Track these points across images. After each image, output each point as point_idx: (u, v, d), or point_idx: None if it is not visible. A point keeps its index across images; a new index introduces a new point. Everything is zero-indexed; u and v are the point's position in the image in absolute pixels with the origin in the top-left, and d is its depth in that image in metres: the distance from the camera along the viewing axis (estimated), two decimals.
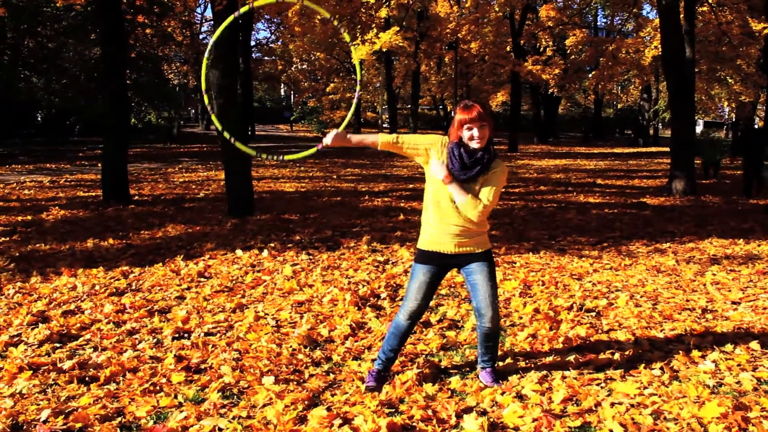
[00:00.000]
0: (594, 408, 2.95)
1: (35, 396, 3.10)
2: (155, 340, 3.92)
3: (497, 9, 26.49)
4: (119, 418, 2.87)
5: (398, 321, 3.16)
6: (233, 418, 2.88)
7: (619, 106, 55.92)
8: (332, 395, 3.13)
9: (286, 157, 3.38)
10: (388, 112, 30.08)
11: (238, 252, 6.41)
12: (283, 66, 43.65)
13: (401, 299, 4.82)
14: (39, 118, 30.27)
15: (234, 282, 5.34)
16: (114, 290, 5.03)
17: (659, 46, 15.66)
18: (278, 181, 14.47)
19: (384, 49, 18.26)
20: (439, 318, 4.35)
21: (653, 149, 31.28)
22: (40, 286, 5.16)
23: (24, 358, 3.56)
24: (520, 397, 3.09)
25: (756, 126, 28.16)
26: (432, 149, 3.03)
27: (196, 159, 21.41)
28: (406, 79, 35.60)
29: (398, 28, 17.56)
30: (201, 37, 36.62)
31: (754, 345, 3.75)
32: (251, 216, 8.75)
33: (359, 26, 20.32)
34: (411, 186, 13.19)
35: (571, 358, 3.53)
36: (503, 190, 3.17)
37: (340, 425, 2.79)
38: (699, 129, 39.70)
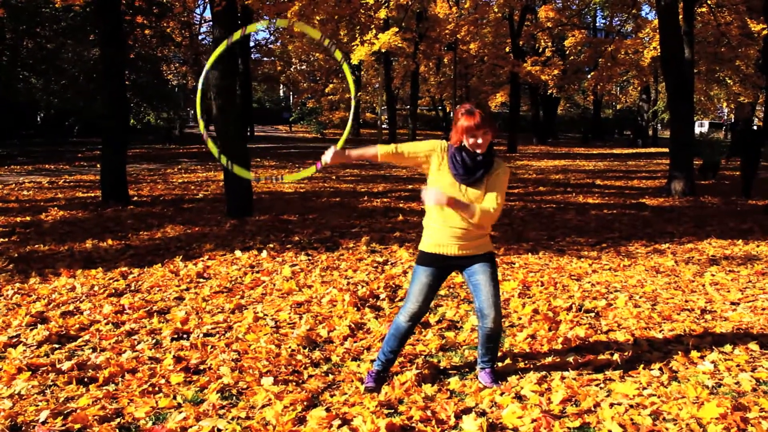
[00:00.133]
0: (593, 408, 2.95)
1: (34, 397, 3.10)
2: (154, 340, 3.92)
3: (496, 10, 26.50)
4: (118, 419, 2.87)
5: (398, 322, 3.16)
6: (232, 418, 2.87)
7: (618, 106, 56.01)
8: (331, 396, 3.12)
9: (285, 179, 3.35)
10: (387, 113, 30.09)
11: (237, 253, 6.41)
12: (282, 67, 43.68)
13: (400, 300, 4.82)
14: (39, 119, 30.27)
15: (233, 283, 5.34)
16: (113, 291, 5.03)
17: (658, 46, 15.67)
18: (277, 182, 14.46)
19: (383, 50, 18.27)
20: (438, 319, 4.35)
21: (652, 150, 31.31)
22: (39, 286, 5.16)
23: (23, 358, 3.56)
24: (519, 397, 3.09)
25: (755, 127, 28.18)
26: (432, 155, 3.02)
27: (195, 160, 21.40)
28: (405, 80, 35.63)
29: (397, 29, 17.58)
30: (200, 38, 36.67)
31: (753, 345, 3.75)
32: (250, 217, 8.75)
33: (358, 27, 20.34)
34: (410, 187, 13.19)
35: (570, 358, 3.53)
36: None
37: (339, 426, 2.79)
38: (704, 130, 39.73)
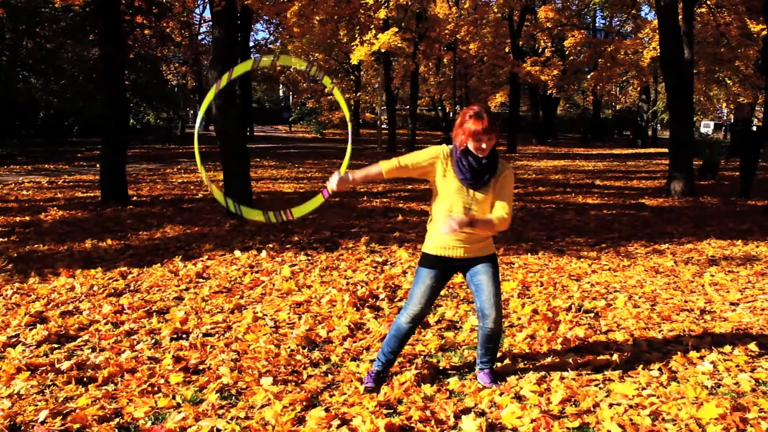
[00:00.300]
0: (592, 409, 2.95)
1: (33, 397, 3.09)
2: (153, 340, 3.92)
3: (496, 10, 26.50)
4: (117, 419, 2.87)
5: (400, 323, 3.16)
6: (231, 418, 2.87)
7: (618, 107, 56.04)
8: (330, 396, 3.12)
9: (295, 214, 3.32)
10: (386, 113, 30.07)
11: (237, 253, 6.40)
12: (282, 67, 43.66)
13: (400, 300, 4.82)
14: (39, 119, 30.27)
15: (232, 283, 5.34)
16: (112, 291, 5.03)
17: (658, 47, 15.69)
18: (277, 182, 14.47)
19: (383, 50, 18.28)
20: (438, 319, 4.35)
21: (652, 150, 31.31)
22: (39, 286, 5.16)
23: (22, 358, 3.56)
24: (519, 397, 3.09)
25: (754, 127, 28.20)
26: (436, 163, 2.99)
27: (194, 160, 21.39)
28: (405, 80, 35.60)
29: (397, 29, 17.59)
30: (200, 38, 36.67)
31: (753, 346, 3.75)
32: None
33: (358, 27, 20.34)
34: (409, 187, 13.19)
35: (570, 359, 3.53)
36: None
37: (339, 426, 2.79)
38: (710, 131, 39.69)
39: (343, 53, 36.03)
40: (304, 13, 13.34)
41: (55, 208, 9.46)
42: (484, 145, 2.91)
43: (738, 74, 24.91)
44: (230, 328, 4.15)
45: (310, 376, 3.36)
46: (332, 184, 2.94)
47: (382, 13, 17.35)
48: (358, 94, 42.58)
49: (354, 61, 18.55)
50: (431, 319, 4.33)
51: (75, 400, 3.05)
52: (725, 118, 44.00)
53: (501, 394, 3.08)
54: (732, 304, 4.80)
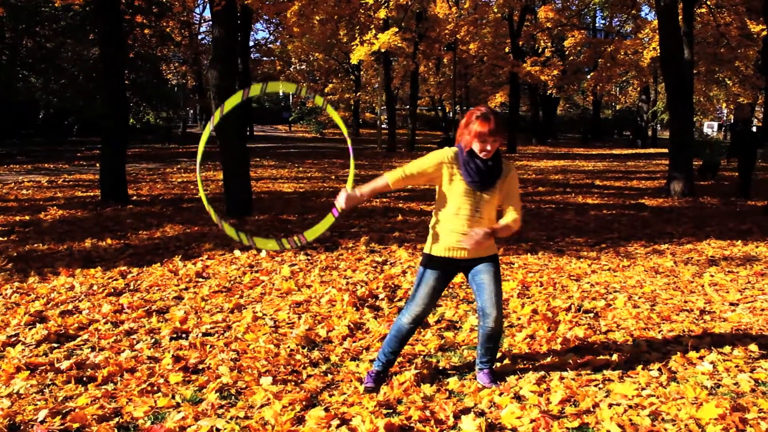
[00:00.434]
0: (592, 409, 2.94)
1: (32, 396, 3.09)
2: (153, 340, 3.92)
3: (496, 10, 26.52)
4: (117, 419, 2.87)
5: (401, 324, 3.16)
6: (231, 418, 2.87)
7: (618, 107, 56.05)
8: (330, 396, 3.12)
9: (308, 237, 3.31)
10: (386, 113, 30.08)
11: (236, 252, 6.40)
12: (282, 66, 43.66)
13: (399, 300, 4.82)
14: (40, 119, 30.28)
15: (232, 282, 5.34)
16: (112, 290, 5.03)
17: (658, 47, 15.69)
18: (276, 182, 14.47)
19: (383, 50, 18.29)
20: (437, 319, 4.35)
21: (652, 150, 31.32)
22: (38, 286, 5.15)
23: (21, 358, 3.55)
24: (518, 397, 3.08)
25: (754, 128, 28.21)
26: (443, 168, 2.97)
27: (194, 159, 21.38)
28: (405, 80, 35.64)
29: (397, 29, 17.59)
30: (200, 37, 36.64)
31: (752, 346, 3.75)
32: (249, 216, 8.75)
33: (358, 27, 20.34)
34: (409, 187, 13.18)
35: (569, 359, 3.53)
36: None
37: (338, 426, 2.79)
38: (713, 131, 39.65)
39: (343, 53, 36.01)
40: (304, 13, 13.34)
41: (55, 208, 9.46)
42: (489, 147, 2.90)
43: (738, 74, 24.93)
44: (230, 327, 4.15)
45: (309, 376, 3.36)
46: (341, 202, 2.92)
47: (382, 13, 17.36)
48: (358, 94, 42.57)
49: (354, 60, 18.57)
50: (431, 319, 4.32)
51: (74, 400, 3.05)
52: (725, 118, 44.00)
53: (500, 394, 3.08)
54: (732, 304, 4.80)
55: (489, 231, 2.89)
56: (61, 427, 2.77)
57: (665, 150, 19.63)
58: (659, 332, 4.08)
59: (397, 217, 8.84)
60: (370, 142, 32.57)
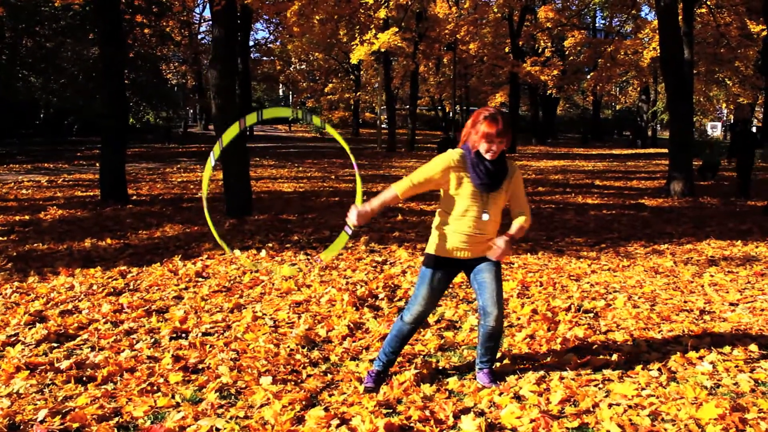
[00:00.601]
0: (592, 409, 2.94)
1: (32, 396, 3.09)
2: (153, 340, 3.92)
3: (496, 10, 26.52)
4: (116, 418, 2.87)
5: (403, 324, 3.16)
6: (231, 418, 2.87)
7: (618, 107, 56.04)
8: (330, 395, 3.12)
9: (325, 259, 3.29)
10: (386, 113, 30.08)
11: (236, 252, 6.40)
12: (282, 66, 43.66)
13: (399, 300, 4.82)
14: (40, 119, 30.29)
15: (232, 282, 5.34)
16: (112, 290, 5.02)
17: (658, 47, 15.69)
18: (276, 182, 14.46)
19: (382, 50, 18.28)
20: (437, 318, 4.35)
21: (652, 150, 31.31)
22: (38, 285, 5.15)
23: (21, 357, 3.55)
24: (518, 397, 3.08)
25: (753, 128, 28.24)
26: (450, 173, 2.95)
27: (194, 159, 21.40)
28: (405, 80, 35.62)
29: (397, 29, 17.58)
30: (200, 37, 36.64)
31: (752, 346, 3.75)
32: (249, 216, 8.75)
33: (358, 27, 20.33)
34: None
35: (569, 359, 3.53)
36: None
37: (338, 425, 2.78)
38: (718, 132, 39.60)
39: (343, 53, 36.00)
40: (304, 13, 13.34)
41: (55, 207, 9.46)
42: (494, 148, 2.90)
43: (738, 75, 24.94)
44: (230, 327, 4.15)
45: (309, 376, 3.36)
46: (352, 219, 2.90)
47: (382, 13, 17.33)
48: (358, 93, 42.56)
49: (354, 60, 18.54)
50: (431, 319, 4.32)
51: (74, 399, 3.04)
52: (725, 118, 44.01)
53: (500, 394, 3.08)
54: (731, 304, 4.80)
55: (508, 239, 2.94)
56: (61, 426, 2.77)
57: (665, 150, 19.63)
58: (659, 332, 4.08)
59: (397, 217, 8.84)
60: (370, 142, 32.57)
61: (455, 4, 31.37)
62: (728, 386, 3.22)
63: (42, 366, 3.41)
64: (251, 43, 36.48)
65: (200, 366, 3.47)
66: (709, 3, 19.57)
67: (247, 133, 32.66)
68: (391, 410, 2.94)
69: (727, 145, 20.11)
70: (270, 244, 6.79)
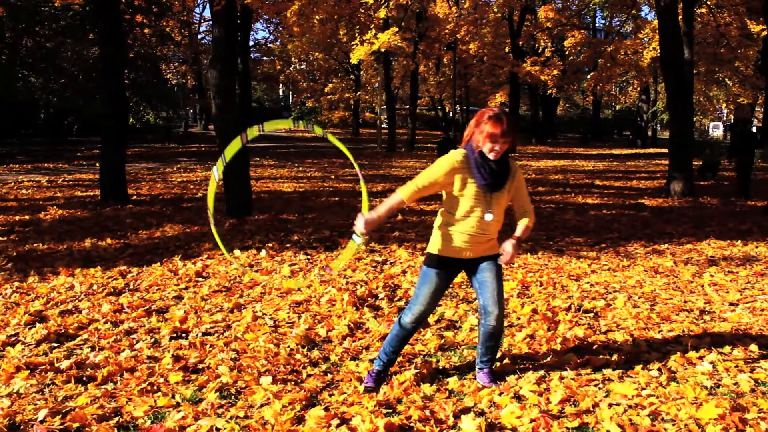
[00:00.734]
0: (592, 409, 2.94)
1: (32, 396, 3.09)
2: (153, 339, 3.92)
3: (496, 10, 26.54)
4: (116, 418, 2.87)
5: (403, 324, 3.15)
6: (231, 418, 2.87)
7: (618, 107, 56.04)
8: (330, 395, 3.12)
9: (336, 269, 3.30)
10: (386, 113, 30.07)
11: (236, 252, 6.40)
12: (282, 66, 43.67)
13: (399, 300, 4.82)
14: (40, 118, 30.30)
15: (232, 282, 5.34)
16: (112, 290, 5.02)
17: (658, 47, 15.68)
18: (276, 181, 14.46)
19: (382, 50, 18.28)
20: (437, 318, 4.35)
21: (652, 150, 31.30)
22: (38, 285, 5.15)
23: (21, 357, 3.55)
24: (518, 397, 3.08)
25: (753, 128, 28.24)
26: (455, 176, 2.94)
27: (194, 159, 21.40)
28: (405, 80, 35.60)
29: (397, 29, 17.58)
30: (200, 37, 36.64)
31: (752, 346, 3.75)
32: (249, 216, 8.75)
33: (358, 26, 20.34)
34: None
35: (569, 359, 3.53)
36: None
37: (338, 425, 2.78)
38: (719, 132, 39.56)
39: (343, 53, 36.00)
40: (304, 13, 13.34)
41: (55, 207, 9.46)
42: (498, 148, 2.90)
43: (738, 74, 24.94)
44: (230, 327, 4.15)
45: (309, 376, 3.36)
46: (360, 226, 2.88)
47: (382, 13, 17.34)
48: (358, 93, 42.56)
49: (354, 60, 18.55)
50: (431, 318, 4.32)
51: (74, 399, 3.04)
52: (725, 118, 44.00)
53: (500, 394, 3.08)
54: (731, 304, 4.80)
55: (515, 242, 3.01)
56: (61, 426, 2.77)
57: (665, 150, 19.63)
58: (659, 332, 4.08)
59: (397, 217, 8.84)
60: (370, 142, 32.57)
61: (455, 4, 31.37)
62: (728, 386, 3.22)
63: (42, 366, 3.41)
64: (251, 43, 36.50)
65: (200, 366, 3.47)
66: (709, 3, 19.58)
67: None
68: (391, 410, 2.94)
69: (727, 145, 20.13)
70: (270, 244, 6.79)
